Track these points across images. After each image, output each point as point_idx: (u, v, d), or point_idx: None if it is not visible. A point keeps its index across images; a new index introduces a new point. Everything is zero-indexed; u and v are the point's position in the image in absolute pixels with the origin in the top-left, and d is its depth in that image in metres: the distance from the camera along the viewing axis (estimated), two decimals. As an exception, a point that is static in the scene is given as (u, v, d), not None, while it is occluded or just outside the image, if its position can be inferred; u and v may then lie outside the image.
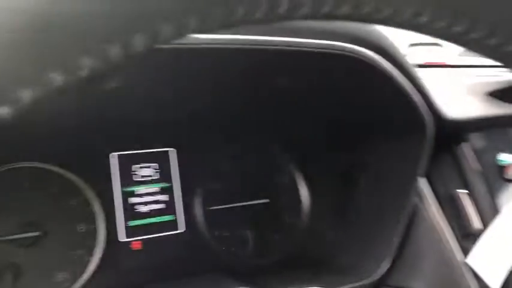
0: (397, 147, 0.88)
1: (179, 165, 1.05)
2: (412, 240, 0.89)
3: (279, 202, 1.12)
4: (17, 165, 0.91)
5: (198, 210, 1.04)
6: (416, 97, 0.76)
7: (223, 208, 1.06)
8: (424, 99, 0.78)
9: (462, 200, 0.93)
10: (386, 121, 0.87)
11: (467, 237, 0.90)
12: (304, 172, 1.15)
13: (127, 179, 1.00)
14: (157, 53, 0.57)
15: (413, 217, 0.89)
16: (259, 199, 1.09)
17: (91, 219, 0.95)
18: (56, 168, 0.94)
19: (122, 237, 0.97)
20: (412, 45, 1.16)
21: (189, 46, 0.59)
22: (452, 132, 0.96)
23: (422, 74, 0.81)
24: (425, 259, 0.87)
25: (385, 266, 0.88)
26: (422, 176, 0.87)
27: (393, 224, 0.88)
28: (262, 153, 1.13)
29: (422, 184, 0.91)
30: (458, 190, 0.94)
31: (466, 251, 0.87)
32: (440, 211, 0.91)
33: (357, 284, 0.86)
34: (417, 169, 0.84)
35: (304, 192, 1.14)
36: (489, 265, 0.85)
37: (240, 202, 1.07)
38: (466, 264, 0.85)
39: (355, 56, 0.64)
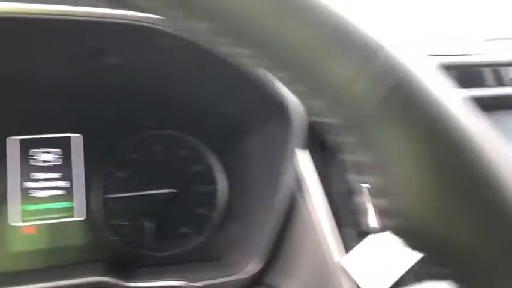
0: (264, 129, 0.80)
1: (84, 152, 1.02)
2: (290, 236, 0.81)
3: (191, 192, 1.06)
4: None
5: (97, 198, 1.01)
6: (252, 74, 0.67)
7: (123, 197, 1.02)
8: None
9: (360, 194, 0.84)
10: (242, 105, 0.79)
11: (360, 237, 0.81)
12: (222, 162, 1.08)
13: (24, 163, 0.99)
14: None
15: (293, 211, 0.81)
16: (167, 188, 1.04)
17: (-19, 201, 0.95)
18: None
19: (13, 220, 0.96)
20: (488, 40, 1.06)
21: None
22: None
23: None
24: (302, 258, 0.79)
25: (256, 263, 0.80)
26: (290, 162, 0.78)
27: (268, 218, 0.80)
28: (174, 141, 1.08)
29: (306, 175, 0.82)
30: (358, 184, 0.84)
31: (350, 252, 0.78)
32: (326, 205, 0.81)
33: (220, 280, 0.79)
34: (285, 152, 0.75)
35: (221, 183, 1.07)
36: (365, 268, 0.74)
37: (145, 191, 1.03)
38: (341, 266, 0.75)
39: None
